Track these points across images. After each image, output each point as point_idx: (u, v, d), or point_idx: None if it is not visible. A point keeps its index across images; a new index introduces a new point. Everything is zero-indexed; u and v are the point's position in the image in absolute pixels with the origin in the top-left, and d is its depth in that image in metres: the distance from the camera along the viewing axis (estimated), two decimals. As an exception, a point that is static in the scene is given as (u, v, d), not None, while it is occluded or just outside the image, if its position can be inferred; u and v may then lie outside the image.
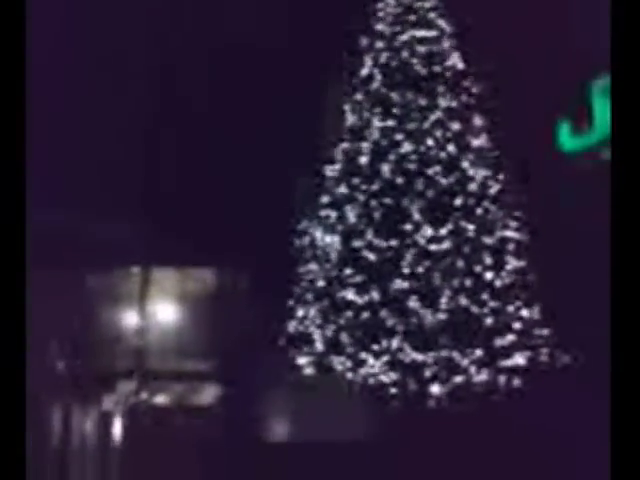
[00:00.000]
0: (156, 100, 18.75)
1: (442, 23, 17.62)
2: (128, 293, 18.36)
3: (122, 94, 18.91)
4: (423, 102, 16.68)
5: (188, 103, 18.99)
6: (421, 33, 17.30)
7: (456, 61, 17.41)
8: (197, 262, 17.98)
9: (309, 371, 15.48)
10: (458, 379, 14.67)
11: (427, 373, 14.63)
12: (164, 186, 18.54)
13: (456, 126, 16.62)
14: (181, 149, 18.75)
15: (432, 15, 17.60)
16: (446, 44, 17.49)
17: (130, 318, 18.24)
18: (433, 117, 16.58)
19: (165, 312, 18.29)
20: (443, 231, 15.41)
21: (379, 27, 17.50)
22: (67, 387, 17.15)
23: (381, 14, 17.62)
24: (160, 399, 17.61)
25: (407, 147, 16.28)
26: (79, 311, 17.55)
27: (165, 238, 17.37)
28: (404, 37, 17.23)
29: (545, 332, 15.46)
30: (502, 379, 14.80)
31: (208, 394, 17.49)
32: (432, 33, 17.41)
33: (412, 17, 17.40)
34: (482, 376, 14.74)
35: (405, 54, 17.07)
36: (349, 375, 14.97)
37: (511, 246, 15.90)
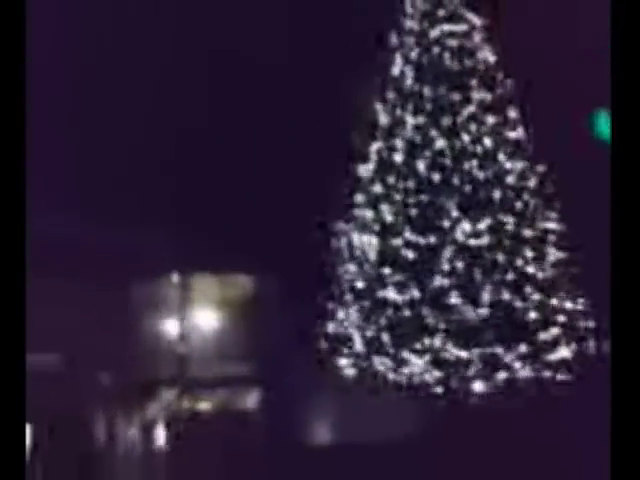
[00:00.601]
0: (185, 98, 18.70)
1: (472, 17, 17.36)
2: (168, 301, 18.42)
3: (135, 94, 18.87)
4: (456, 97, 16.43)
5: (217, 103, 18.95)
6: (451, 28, 17.04)
7: (487, 54, 17.13)
8: (235, 267, 17.98)
9: (350, 372, 15.36)
10: (502, 375, 14.43)
11: (471, 370, 14.41)
12: (200, 192, 18.56)
13: (491, 119, 16.35)
14: (215, 153, 18.73)
15: (461, 9, 17.35)
16: (477, 38, 17.22)
17: (171, 326, 18.30)
18: (467, 111, 16.32)
19: (205, 318, 18.32)
20: (482, 226, 15.17)
21: (409, 24, 17.31)
22: (111, 396, 17.24)
23: (410, 11, 17.43)
24: (203, 405, 17.63)
25: (442, 143, 16.04)
26: (120, 320, 17.64)
27: (203, 244, 17.39)
28: (434, 33, 17.00)
29: (590, 324, 15.18)
30: (547, 374, 14.55)
31: (250, 399, 17.46)
32: (462, 27, 17.15)
33: (441, 12, 17.16)
34: (526, 371, 14.49)
35: (436, 50, 16.84)
36: (391, 375, 14.82)
37: (552, 238, 15.63)
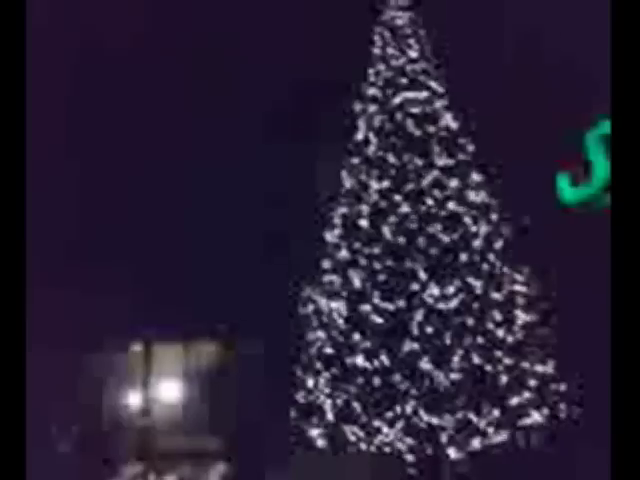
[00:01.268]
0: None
1: (433, 84, 17.66)
2: (131, 371, 18.00)
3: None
4: (419, 162, 16.57)
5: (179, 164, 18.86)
6: (413, 95, 17.29)
7: (449, 120, 17.39)
8: (201, 336, 17.68)
9: (321, 443, 15.01)
10: (476, 441, 14.22)
11: (444, 437, 14.16)
12: (166, 259, 18.35)
13: (454, 184, 16.49)
14: (180, 221, 18.61)
15: (423, 77, 17.65)
16: (438, 104, 17.49)
17: (134, 397, 17.83)
18: (430, 176, 16.45)
19: (170, 390, 17.89)
20: (451, 289, 15.14)
21: (372, 91, 17.54)
22: (73, 471, 16.65)
23: (373, 79, 17.68)
24: (168, 480, 17.08)
25: (406, 208, 16.09)
26: (81, 391, 17.17)
27: (168, 313, 17.10)
28: (397, 100, 17.23)
29: (561, 387, 15.11)
30: (520, 438, 14.39)
31: (216, 473, 16.95)
32: (424, 94, 17.41)
33: (403, 80, 17.44)
34: (500, 437, 14.30)
35: (399, 116, 17.05)
36: (362, 445, 14.50)
37: (520, 300, 15.64)
